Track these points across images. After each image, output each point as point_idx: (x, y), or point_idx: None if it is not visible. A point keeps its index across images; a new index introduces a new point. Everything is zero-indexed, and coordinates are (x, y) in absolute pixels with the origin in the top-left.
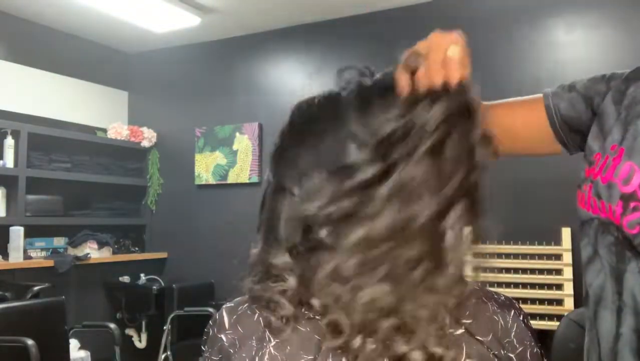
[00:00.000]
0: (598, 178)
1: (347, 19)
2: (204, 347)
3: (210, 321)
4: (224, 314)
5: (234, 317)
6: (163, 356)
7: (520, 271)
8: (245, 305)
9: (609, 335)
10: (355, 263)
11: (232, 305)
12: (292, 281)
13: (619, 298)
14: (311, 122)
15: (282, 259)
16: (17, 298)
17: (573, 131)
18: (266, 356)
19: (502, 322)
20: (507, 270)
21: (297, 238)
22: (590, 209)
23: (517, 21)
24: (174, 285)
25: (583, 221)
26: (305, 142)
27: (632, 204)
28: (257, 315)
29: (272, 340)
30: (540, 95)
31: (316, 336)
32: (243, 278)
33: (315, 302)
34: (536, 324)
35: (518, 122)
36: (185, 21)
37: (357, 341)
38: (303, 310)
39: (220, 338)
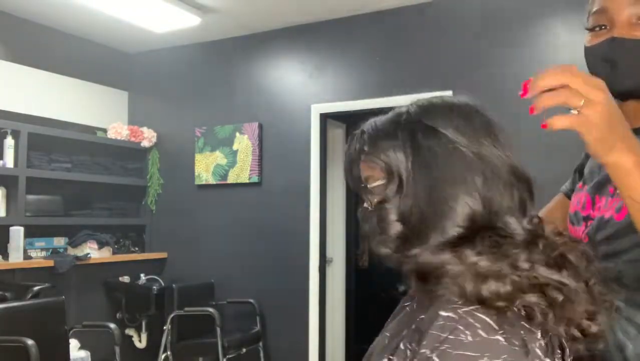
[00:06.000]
0: None
1: (347, 19)
2: (473, 353)
3: (461, 327)
4: (484, 316)
5: (495, 318)
6: (163, 356)
7: None
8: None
9: None
10: None
11: (475, 307)
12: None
13: None
14: None
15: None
16: (17, 298)
17: None
18: (538, 350)
19: None
20: None
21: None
22: None
23: (517, 21)
24: (174, 285)
25: None
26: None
27: None
28: (510, 312)
29: (540, 336)
30: None
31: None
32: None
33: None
34: None
35: None
36: (185, 21)
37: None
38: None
39: (496, 339)
